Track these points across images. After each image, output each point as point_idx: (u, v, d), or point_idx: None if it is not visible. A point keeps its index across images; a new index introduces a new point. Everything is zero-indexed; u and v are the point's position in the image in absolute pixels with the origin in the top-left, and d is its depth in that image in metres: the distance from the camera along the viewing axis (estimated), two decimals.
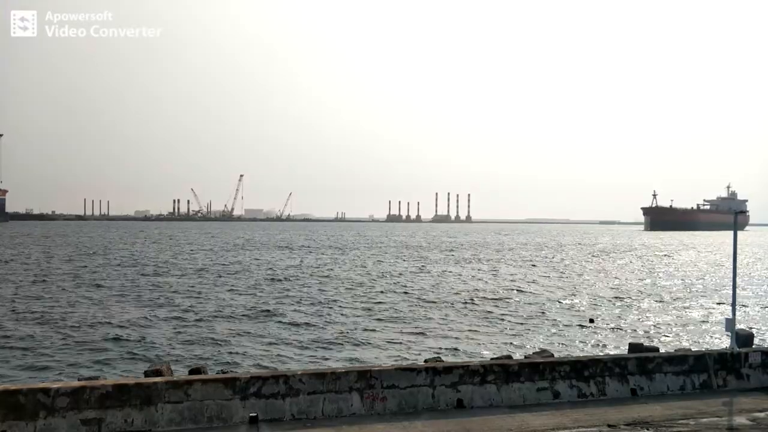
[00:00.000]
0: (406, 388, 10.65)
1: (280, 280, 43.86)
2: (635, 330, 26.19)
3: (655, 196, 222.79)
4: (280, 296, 35.25)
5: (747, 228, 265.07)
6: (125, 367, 18.81)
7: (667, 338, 24.33)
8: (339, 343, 22.55)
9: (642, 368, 12.30)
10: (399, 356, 20.55)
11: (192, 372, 13.51)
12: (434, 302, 33.61)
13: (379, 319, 27.93)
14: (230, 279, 44.49)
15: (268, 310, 29.80)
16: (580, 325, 27.11)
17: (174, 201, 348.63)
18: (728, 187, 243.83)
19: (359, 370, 10.73)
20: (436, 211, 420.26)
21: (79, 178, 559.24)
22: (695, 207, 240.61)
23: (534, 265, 61.94)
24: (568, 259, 72.25)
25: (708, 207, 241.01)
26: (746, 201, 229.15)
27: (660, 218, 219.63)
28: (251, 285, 40.79)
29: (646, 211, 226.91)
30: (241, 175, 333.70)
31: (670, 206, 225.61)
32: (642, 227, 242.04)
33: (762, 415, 10.89)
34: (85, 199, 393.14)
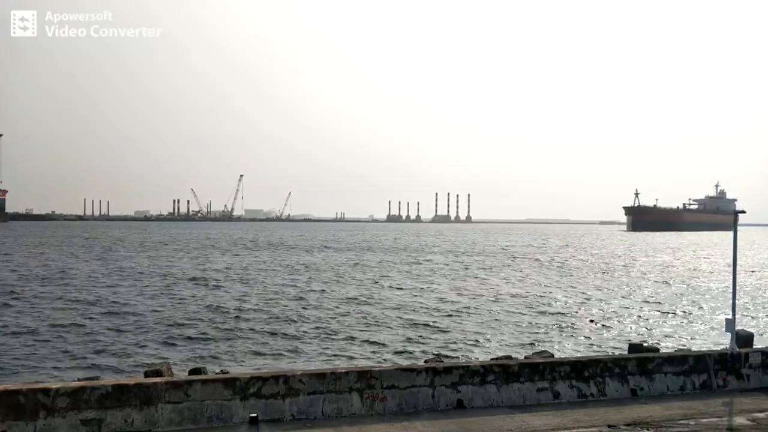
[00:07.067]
0: (406, 388, 10.64)
1: (280, 279, 43.89)
2: (635, 330, 26.19)
3: (637, 195, 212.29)
4: (278, 295, 35.26)
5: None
6: (124, 368, 18.80)
7: (667, 338, 24.34)
8: (339, 343, 22.56)
9: (642, 368, 12.29)
10: (399, 355, 20.55)
11: (192, 372, 13.55)
12: (433, 302, 33.59)
13: (377, 320, 27.93)
14: (230, 279, 44.51)
15: (268, 310, 29.82)
16: (579, 326, 27.11)
17: (174, 201, 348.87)
18: (717, 186, 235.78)
19: (359, 370, 10.71)
20: (436, 211, 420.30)
21: (79, 178, 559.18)
22: (681, 206, 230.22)
23: (533, 265, 61.95)
24: (564, 260, 72.27)
25: (695, 206, 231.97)
26: (735, 200, 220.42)
27: (642, 218, 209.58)
28: (250, 285, 40.78)
29: (628, 210, 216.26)
30: (241, 175, 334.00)
31: (654, 205, 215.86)
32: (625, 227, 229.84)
33: (762, 415, 10.88)
34: (85, 199, 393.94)
